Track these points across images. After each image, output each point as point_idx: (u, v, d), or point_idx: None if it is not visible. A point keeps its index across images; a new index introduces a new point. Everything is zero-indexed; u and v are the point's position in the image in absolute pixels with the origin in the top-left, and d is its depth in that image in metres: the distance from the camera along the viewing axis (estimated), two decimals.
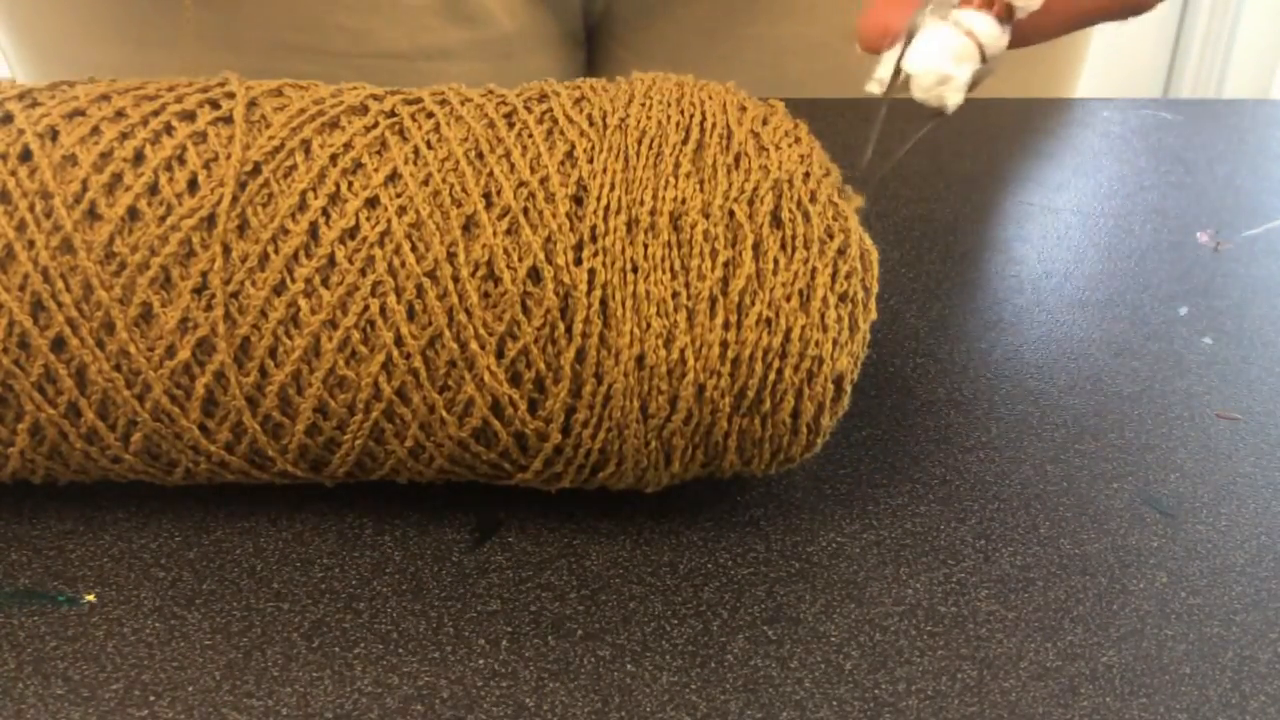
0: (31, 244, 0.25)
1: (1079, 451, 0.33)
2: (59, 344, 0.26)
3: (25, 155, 0.26)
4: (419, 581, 0.28)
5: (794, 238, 0.26)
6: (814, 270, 0.26)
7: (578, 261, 0.26)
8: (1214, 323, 0.38)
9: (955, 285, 0.39)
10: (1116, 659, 0.27)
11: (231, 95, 0.27)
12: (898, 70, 0.28)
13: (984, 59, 0.28)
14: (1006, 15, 0.28)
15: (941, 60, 0.27)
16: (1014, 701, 0.26)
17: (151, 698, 0.25)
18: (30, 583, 0.28)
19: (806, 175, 0.27)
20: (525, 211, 0.26)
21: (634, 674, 0.26)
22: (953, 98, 0.28)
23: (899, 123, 0.30)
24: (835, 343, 0.27)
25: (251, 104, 0.27)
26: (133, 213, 0.26)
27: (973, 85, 0.28)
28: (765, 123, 0.29)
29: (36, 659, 0.26)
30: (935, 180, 0.45)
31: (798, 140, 0.28)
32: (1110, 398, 0.34)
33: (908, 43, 0.28)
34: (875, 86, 0.29)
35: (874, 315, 0.28)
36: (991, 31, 0.28)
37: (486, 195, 0.26)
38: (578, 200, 0.26)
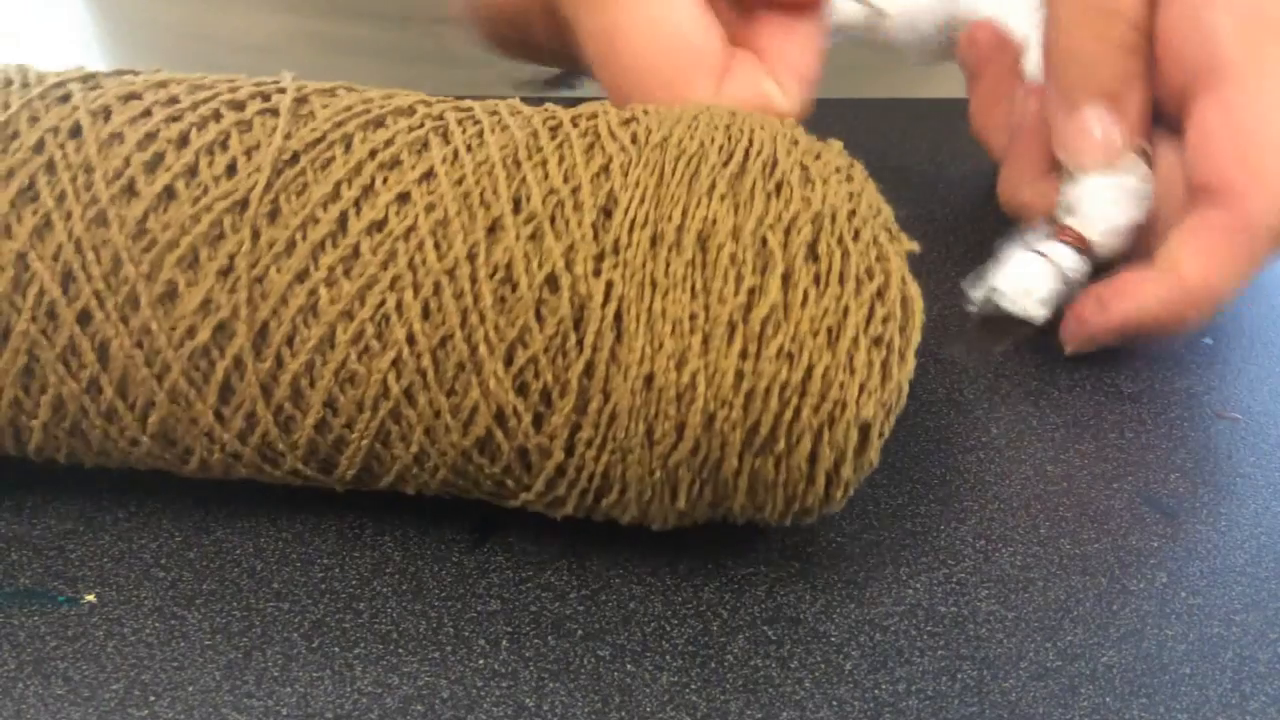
0: (69, 215, 0.26)
1: (1079, 451, 0.33)
2: (85, 317, 0.26)
3: (75, 131, 0.27)
4: (419, 581, 0.28)
5: (829, 272, 0.25)
6: (846, 309, 0.25)
7: (596, 272, 0.25)
8: (1214, 323, 0.38)
9: (955, 285, 0.39)
10: (1116, 659, 0.27)
11: (284, 90, 0.28)
12: (992, 289, 0.34)
13: (1065, 282, 0.34)
14: (1088, 250, 0.35)
15: (1025, 280, 0.34)
16: (1014, 701, 0.26)
17: (151, 698, 0.25)
18: (30, 583, 0.28)
19: (852, 212, 0.26)
20: (552, 219, 0.26)
21: (634, 674, 0.26)
22: (1036, 311, 0.34)
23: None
24: (862, 387, 0.25)
25: (301, 100, 0.28)
26: (169, 191, 0.26)
27: (1063, 300, 0.35)
28: (818, 157, 0.27)
29: (36, 659, 0.26)
30: (935, 180, 0.45)
31: (849, 179, 0.27)
32: (1110, 398, 0.34)
33: (999, 267, 0.35)
34: (971, 306, 0.35)
35: (911, 367, 0.26)
36: (1071, 261, 0.34)
37: (516, 200, 0.26)
38: (607, 212, 0.26)
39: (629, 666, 0.26)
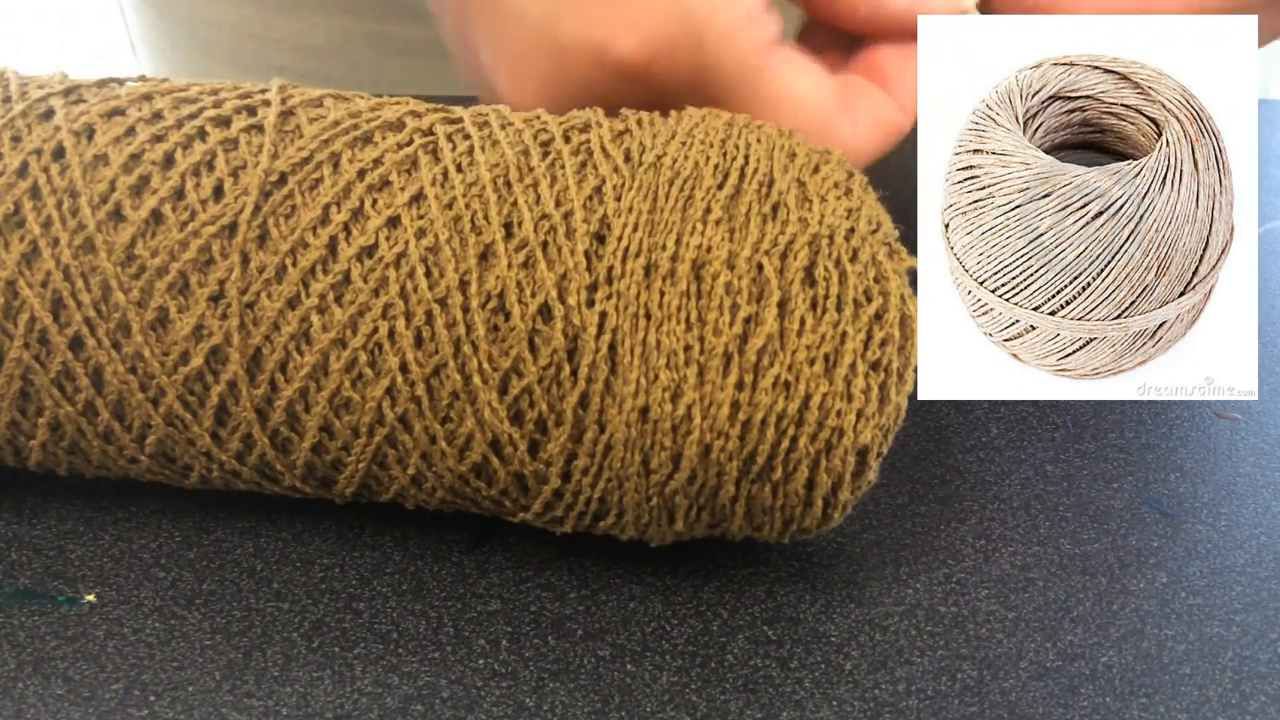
0: (56, 242, 0.26)
1: (1079, 451, 0.33)
2: (77, 343, 0.26)
3: (59, 153, 0.26)
4: (419, 581, 0.28)
5: (825, 298, 0.25)
6: (844, 334, 0.25)
7: (590, 303, 0.25)
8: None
9: None
10: (1116, 659, 0.27)
11: (269, 103, 0.27)
12: None
13: None
14: None
15: None
16: (1014, 701, 0.26)
17: (151, 698, 0.25)
18: (30, 583, 0.28)
19: (850, 231, 0.26)
20: (544, 246, 0.25)
21: (634, 674, 0.26)
22: None
23: None
24: (860, 414, 0.25)
25: (288, 113, 0.27)
26: (156, 216, 0.26)
27: None
28: (815, 171, 0.27)
29: (36, 659, 0.26)
30: None
31: (848, 192, 0.27)
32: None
33: None
34: None
35: (910, 387, 0.26)
36: None
37: (507, 225, 0.25)
38: (600, 239, 0.25)
39: (629, 666, 0.26)
